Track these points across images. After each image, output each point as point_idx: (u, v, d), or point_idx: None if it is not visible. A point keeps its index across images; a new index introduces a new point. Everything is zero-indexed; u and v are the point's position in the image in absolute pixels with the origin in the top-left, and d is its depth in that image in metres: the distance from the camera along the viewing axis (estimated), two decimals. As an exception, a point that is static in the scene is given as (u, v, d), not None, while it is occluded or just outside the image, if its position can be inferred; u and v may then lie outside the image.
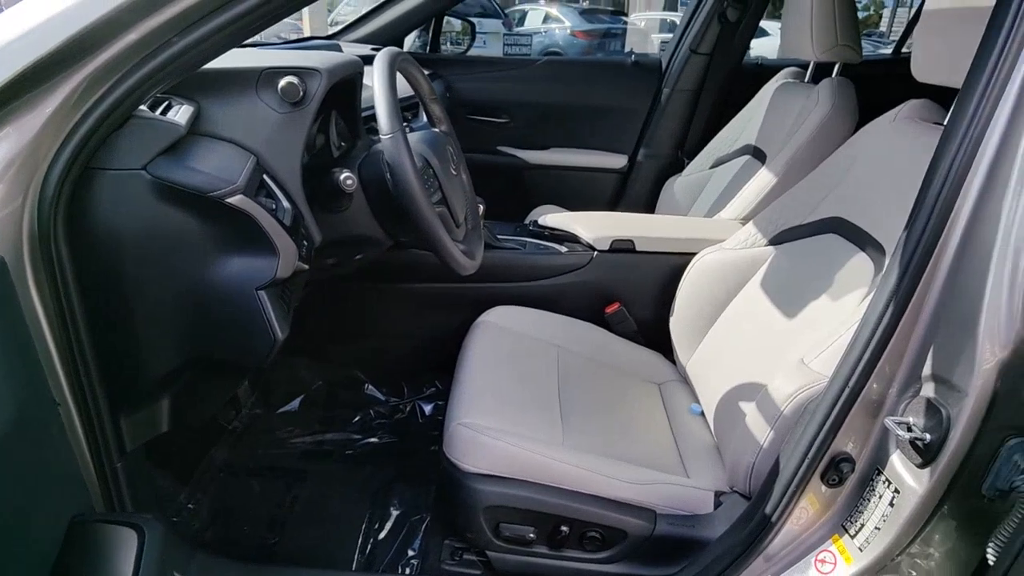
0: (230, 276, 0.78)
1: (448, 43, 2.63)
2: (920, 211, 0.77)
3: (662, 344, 1.48)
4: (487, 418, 1.07)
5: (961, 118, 0.74)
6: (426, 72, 2.12)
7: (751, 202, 1.63)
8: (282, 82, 0.83)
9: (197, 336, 0.80)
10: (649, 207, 2.22)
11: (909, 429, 0.73)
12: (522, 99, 2.26)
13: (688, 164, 2.11)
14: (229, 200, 0.73)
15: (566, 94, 2.26)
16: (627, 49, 11.07)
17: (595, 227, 1.54)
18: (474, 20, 8.74)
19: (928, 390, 0.73)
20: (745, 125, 1.95)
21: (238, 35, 0.68)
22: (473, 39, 2.44)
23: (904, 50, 2.22)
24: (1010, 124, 0.71)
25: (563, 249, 1.54)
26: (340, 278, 1.44)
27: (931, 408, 0.72)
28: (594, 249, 1.52)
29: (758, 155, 1.82)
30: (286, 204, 0.84)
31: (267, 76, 0.83)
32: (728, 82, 2.15)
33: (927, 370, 0.74)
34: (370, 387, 1.59)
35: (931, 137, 1.08)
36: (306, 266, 0.88)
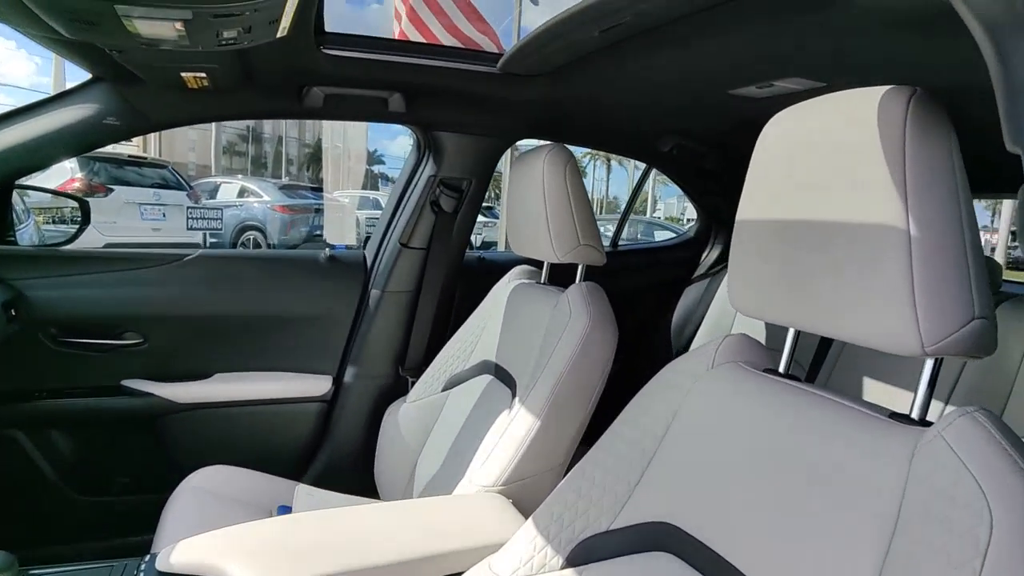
0: None
1: (51, 222, 1.77)
2: None
3: None
4: None
5: None
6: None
7: (510, 461, 1.13)
8: None
9: None
10: (367, 449, 1.60)
11: None
12: (165, 310, 1.52)
13: (414, 385, 1.59)
14: None
15: (236, 301, 1.59)
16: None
17: (268, 566, 0.84)
18: (152, 191, 7.54)
19: None
20: (479, 335, 1.53)
21: None
22: (86, 222, 1.64)
23: (621, 241, 2.16)
24: None
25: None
26: None
27: None
28: (268, 612, 0.81)
29: (502, 376, 1.39)
30: None
31: None
32: (451, 281, 1.75)
33: None
34: None
35: (774, 394, 0.72)
36: None
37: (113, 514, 1.48)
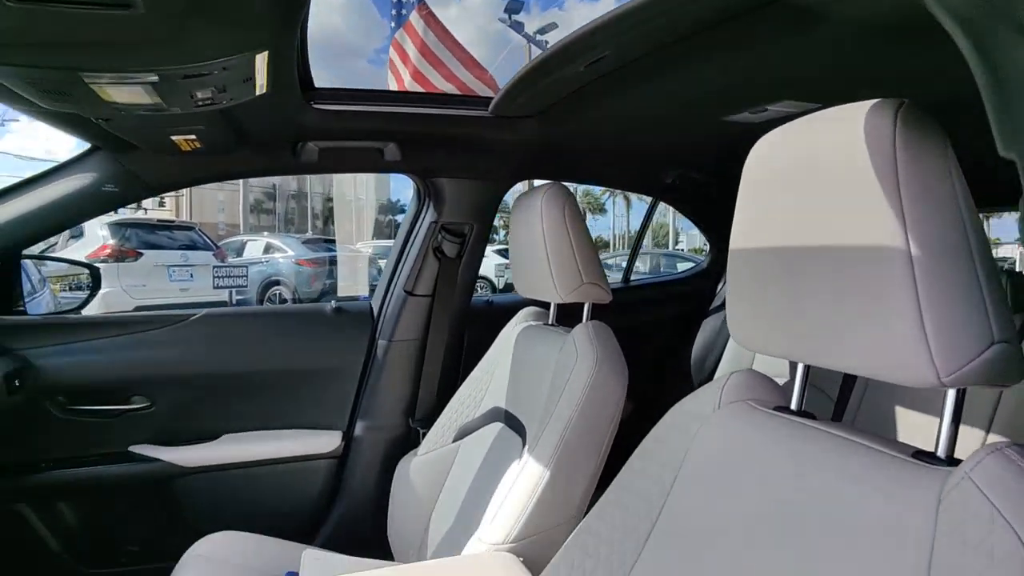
0: None
1: (68, 289, 1.80)
2: None
3: None
4: None
5: None
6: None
7: (520, 515, 1.07)
8: None
9: None
10: (380, 505, 1.55)
11: None
12: (171, 372, 1.51)
13: (425, 436, 1.54)
14: None
15: (243, 359, 1.58)
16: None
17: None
18: (180, 252, 7.71)
19: None
20: (488, 381, 1.48)
21: None
22: (96, 287, 1.67)
23: (633, 279, 2.11)
24: None
25: None
26: None
27: None
28: None
29: (513, 424, 1.34)
30: None
31: None
32: (458, 327, 1.72)
33: None
34: None
35: (787, 435, 0.66)
36: None
37: None
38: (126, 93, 0.73)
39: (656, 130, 1.36)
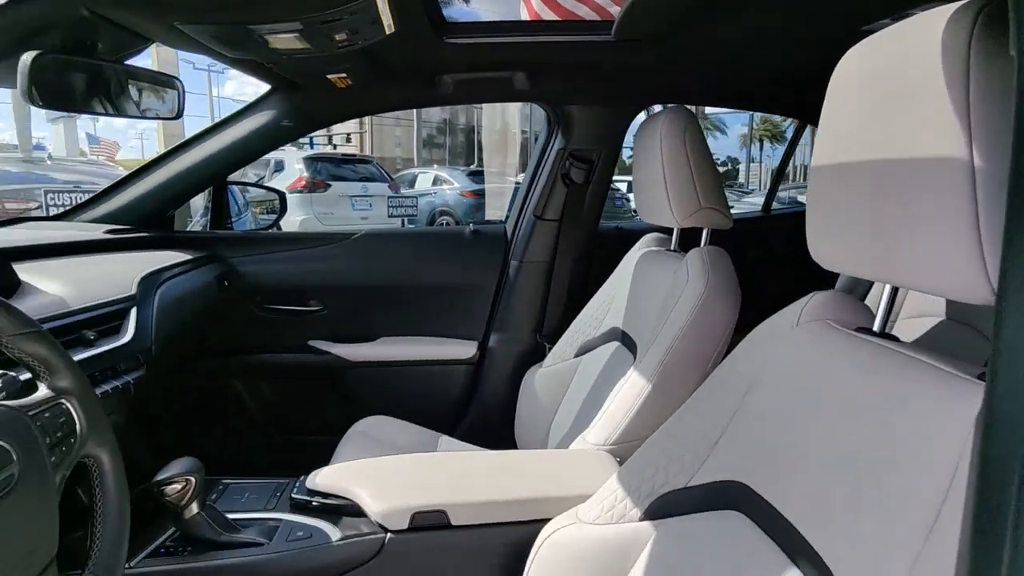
0: None
1: (265, 212, 2.18)
2: None
3: None
4: None
5: None
6: (201, 255, 1.64)
7: (620, 422, 1.16)
8: None
9: None
10: (510, 409, 1.72)
11: None
12: (339, 282, 1.79)
13: (550, 351, 1.67)
14: None
15: (395, 273, 1.81)
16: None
17: (387, 492, 0.99)
18: (360, 184, 8.49)
19: None
20: (609, 303, 1.55)
21: None
22: (284, 210, 1.99)
23: (775, 206, 2.00)
24: None
25: (335, 535, 0.96)
26: None
27: None
28: (386, 530, 0.96)
29: (627, 343, 1.41)
30: None
31: None
32: (584, 250, 1.79)
33: None
34: None
35: (858, 352, 0.66)
36: None
37: (301, 451, 1.79)
38: (282, 41, 0.88)
39: (788, 47, 1.27)
